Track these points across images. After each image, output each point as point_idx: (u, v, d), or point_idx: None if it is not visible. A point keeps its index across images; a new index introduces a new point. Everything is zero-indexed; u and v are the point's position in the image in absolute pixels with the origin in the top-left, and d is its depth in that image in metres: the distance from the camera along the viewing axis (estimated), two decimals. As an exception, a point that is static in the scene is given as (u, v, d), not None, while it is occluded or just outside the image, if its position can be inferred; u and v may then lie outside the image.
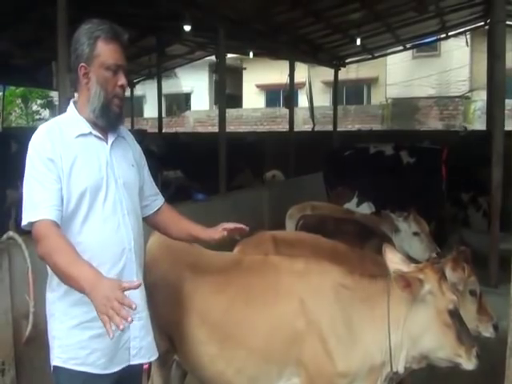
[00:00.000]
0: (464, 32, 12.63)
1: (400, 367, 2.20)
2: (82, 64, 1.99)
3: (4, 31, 9.65)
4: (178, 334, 2.54)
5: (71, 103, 2.10)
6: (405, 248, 4.60)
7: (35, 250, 1.92)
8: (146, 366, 3.00)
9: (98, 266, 1.88)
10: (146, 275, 2.73)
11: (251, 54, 13.16)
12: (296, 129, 16.03)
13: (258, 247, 3.01)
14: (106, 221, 2.01)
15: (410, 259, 2.74)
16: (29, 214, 1.88)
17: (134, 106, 18.05)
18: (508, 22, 5.69)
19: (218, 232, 2.29)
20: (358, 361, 2.18)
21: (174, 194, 9.51)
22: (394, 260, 2.36)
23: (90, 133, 2.03)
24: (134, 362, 2.08)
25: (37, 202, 1.88)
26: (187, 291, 2.52)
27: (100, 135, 2.06)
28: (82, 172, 1.97)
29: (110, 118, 2.04)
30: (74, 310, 1.96)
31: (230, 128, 19.69)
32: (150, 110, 22.55)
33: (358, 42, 10.97)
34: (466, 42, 13.24)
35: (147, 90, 20.44)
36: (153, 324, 2.69)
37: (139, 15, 9.85)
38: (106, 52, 1.98)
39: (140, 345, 2.08)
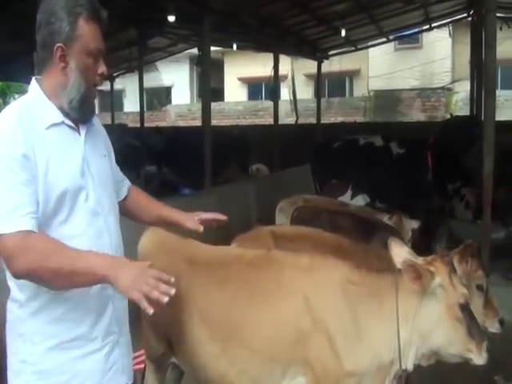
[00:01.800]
0: (447, 23, 12.67)
1: (409, 364, 2.13)
2: (60, 44, 1.67)
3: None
4: (178, 334, 2.42)
5: (35, 83, 1.76)
6: None
7: (10, 268, 1.58)
8: (141, 367, 2.89)
9: None
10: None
11: (235, 47, 13.02)
12: (280, 122, 16.01)
13: (255, 243, 2.89)
14: (89, 225, 1.75)
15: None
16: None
17: (114, 100, 17.70)
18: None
19: (193, 223, 2.11)
20: (366, 359, 2.10)
21: (157, 189, 9.44)
22: (400, 254, 2.27)
23: (63, 122, 1.74)
24: (131, 381, 1.91)
25: (9, 210, 1.55)
26: (186, 288, 2.39)
27: (72, 125, 1.77)
28: (59, 170, 1.68)
29: (86, 110, 1.79)
30: (52, 329, 1.69)
31: (212, 122, 19.59)
32: (130, 105, 22.26)
33: (343, 33, 10.91)
34: (449, 33, 13.28)
35: (127, 84, 20.14)
36: (147, 326, 2.59)
37: (122, 6, 9.61)
38: (89, 34, 1.70)
39: (128, 362, 1.91)
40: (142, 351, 2.83)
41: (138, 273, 1.54)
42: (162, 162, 10.61)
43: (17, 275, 1.59)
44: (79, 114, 1.76)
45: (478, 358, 2.09)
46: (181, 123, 20.34)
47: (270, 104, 13.88)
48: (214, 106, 21.47)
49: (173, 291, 1.53)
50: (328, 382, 2.11)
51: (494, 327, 2.67)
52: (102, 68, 1.77)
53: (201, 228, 2.09)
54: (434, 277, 2.08)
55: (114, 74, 16.33)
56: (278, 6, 9.41)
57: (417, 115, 16.95)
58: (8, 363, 1.76)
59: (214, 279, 2.39)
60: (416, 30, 13.41)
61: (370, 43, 14.20)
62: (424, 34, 15.33)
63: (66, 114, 1.75)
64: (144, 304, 1.49)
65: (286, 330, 2.17)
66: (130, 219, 2.21)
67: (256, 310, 2.25)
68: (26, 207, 1.57)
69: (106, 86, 17.34)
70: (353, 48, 13.84)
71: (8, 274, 1.68)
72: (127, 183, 2.16)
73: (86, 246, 1.67)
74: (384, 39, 13.50)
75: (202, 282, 2.40)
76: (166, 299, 1.51)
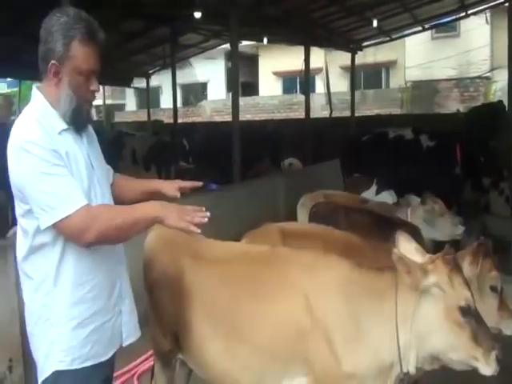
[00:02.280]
0: (484, 10, 12.18)
1: (411, 368, 2.04)
2: (54, 62, 1.86)
3: (16, 26, 9.66)
4: (183, 330, 2.44)
5: (38, 92, 1.94)
6: (427, 233, 4.48)
7: (81, 241, 1.83)
8: (150, 365, 2.93)
9: (105, 256, 1.97)
10: (145, 273, 2.65)
11: (265, 41, 12.95)
12: (313, 115, 15.81)
13: (264, 239, 2.87)
14: None
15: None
16: (59, 211, 1.77)
17: (151, 97, 17.99)
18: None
19: (172, 189, 2.20)
20: (366, 361, 2.03)
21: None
22: (408, 250, 2.18)
23: (69, 128, 1.94)
24: (126, 343, 2.12)
25: (66, 195, 1.78)
26: (191, 284, 2.42)
27: (76, 130, 1.98)
28: (75, 169, 1.89)
29: (79, 122, 1.96)
30: (75, 310, 1.91)
31: (246, 116, 19.71)
32: (167, 101, 22.52)
33: (375, 23, 10.68)
34: (486, 20, 12.78)
35: (163, 81, 20.36)
36: (155, 323, 2.63)
37: (151, 4, 9.73)
38: (81, 56, 1.86)
39: (129, 327, 2.12)
40: (151, 352, 2.87)
41: (179, 209, 1.87)
42: (196, 158, 10.70)
43: (89, 244, 1.85)
44: (72, 125, 1.95)
45: (485, 367, 1.94)
46: (216, 118, 20.46)
47: (304, 98, 13.72)
48: (249, 100, 21.56)
49: (208, 214, 1.87)
50: (327, 383, 2.07)
51: (509, 329, 2.53)
52: (94, 86, 1.94)
53: (178, 194, 2.20)
54: (427, 274, 1.98)
55: (150, 72, 16.60)
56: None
57: (455, 106, 16.37)
58: (36, 350, 1.96)
59: (219, 275, 2.41)
60: (452, 17, 12.94)
61: (405, 33, 13.82)
62: (461, 21, 14.79)
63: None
64: (192, 228, 1.83)
65: (286, 328, 2.15)
66: (119, 203, 2.32)
67: (258, 306, 2.24)
68: (78, 189, 1.83)
69: (142, 84, 17.71)
70: (387, 38, 13.52)
71: (24, 272, 1.92)
72: (111, 171, 2.31)
73: None
74: (419, 28, 13.12)
75: (207, 278, 2.42)
76: (205, 220, 1.85)
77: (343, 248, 2.77)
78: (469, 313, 1.96)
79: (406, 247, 2.20)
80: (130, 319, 2.12)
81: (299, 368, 2.15)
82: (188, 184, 2.23)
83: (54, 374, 1.91)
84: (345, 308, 2.08)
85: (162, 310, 2.56)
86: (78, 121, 1.94)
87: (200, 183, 2.25)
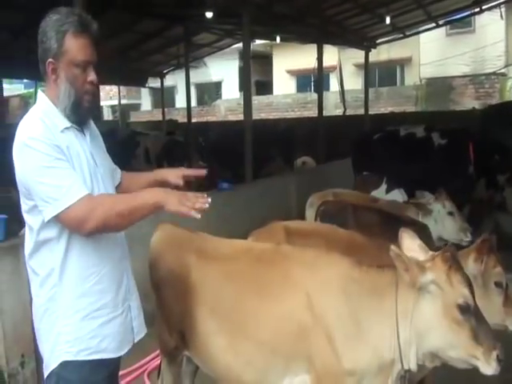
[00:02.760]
0: (498, 5, 12.01)
1: (412, 365, 2.05)
2: (50, 60, 1.93)
3: (32, 27, 9.80)
4: (189, 327, 2.49)
5: (42, 93, 2.03)
6: (437, 230, 4.49)
7: (82, 230, 1.87)
8: (159, 362, 2.97)
9: (106, 252, 2.02)
10: (152, 271, 2.70)
11: (278, 39, 12.94)
12: (328, 113, 15.79)
13: (269, 238, 2.90)
14: None
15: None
16: (61, 202, 1.82)
17: (165, 97, 18.11)
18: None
19: (175, 177, 2.22)
20: (366, 358, 2.05)
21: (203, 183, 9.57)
22: (411, 247, 2.19)
23: (72, 126, 2.00)
24: (138, 338, 2.17)
25: (67, 187, 1.83)
26: (196, 281, 2.47)
27: (79, 128, 2.04)
28: (77, 165, 1.95)
29: (81, 114, 2.01)
30: (81, 303, 1.96)
31: (260, 115, 19.71)
32: (182, 100, 22.65)
33: (388, 20, 10.60)
34: (501, 15, 12.59)
35: (178, 80, 20.47)
36: (161, 321, 2.67)
37: (164, 5, 9.81)
38: (75, 48, 1.92)
39: (138, 322, 2.17)
40: (158, 352, 2.90)
41: (180, 194, 1.87)
42: (209, 157, 10.75)
43: (90, 233, 1.89)
44: (76, 118, 1.99)
45: (485, 366, 1.94)
46: (230, 117, 20.48)
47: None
48: (263, 99, 21.54)
49: (209, 200, 1.86)
50: (328, 380, 2.09)
51: (514, 325, 2.53)
52: (91, 76, 1.98)
53: (180, 182, 2.23)
54: (424, 272, 1.98)
55: (164, 71, 16.71)
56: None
57: (470, 103, 16.15)
58: (43, 343, 2.01)
59: (223, 272, 2.45)
60: (466, 13, 12.78)
61: (419, 29, 13.69)
62: (476, 17, 14.57)
63: (72, 121, 2.01)
64: (192, 213, 1.83)
65: (288, 324, 2.18)
66: None
67: (261, 303, 2.28)
68: (79, 181, 1.89)
69: (157, 83, 17.85)
70: (401, 35, 13.41)
71: (30, 268, 1.99)
72: (118, 170, 2.36)
73: None
74: (433, 24, 12.98)
75: (212, 275, 2.46)
76: (207, 206, 1.84)
77: (347, 246, 2.79)
78: (468, 311, 1.96)
79: (409, 244, 2.21)
80: (138, 314, 2.18)
81: (301, 365, 2.17)
82: (191, 172, 2.28)
83: (60, 364, 1.95)
84: (345, 305, 2.10)
85: (168, 308, 2.60)
86: (78, 113, 1.98)
87: (204, 171, 2.26)
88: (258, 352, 2.24)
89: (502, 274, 2.53)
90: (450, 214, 4.57)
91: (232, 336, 2.32)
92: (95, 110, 2.16)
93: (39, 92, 2.06)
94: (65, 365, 1.95)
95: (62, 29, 1.90)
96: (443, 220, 4.55)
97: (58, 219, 1.86)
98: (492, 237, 2.61)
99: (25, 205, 1.94)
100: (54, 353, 1.96)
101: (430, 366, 2.11)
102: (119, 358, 2.13)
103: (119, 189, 2.32)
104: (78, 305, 1.95)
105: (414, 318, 2.01)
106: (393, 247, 2.01)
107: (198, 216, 1.84)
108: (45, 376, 2.02)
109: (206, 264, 2.50)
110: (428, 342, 2.01)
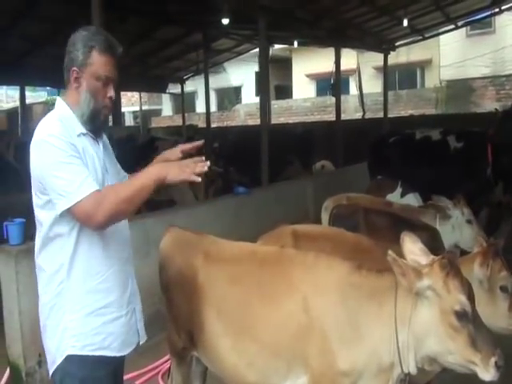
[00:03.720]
0: (517, 5, 11.84)
1: (411, 368, 2.06)
2: (75, 68, 2.07)
3: (55, 36, 10.05)
4: (197, 327, 2.55)
5: (61, 100, 2.15)
6: (454, 237, 4.43)
7: (91, 224, 1.95)
8: (166, 367, 3.03)
9: (113, 253, 2.09)
10: (161, 274, 2.77)
11: (295, 44, 12.98)
12: (347, 117, 15.74)
13: (277, 241, 2.95)
14: None
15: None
16: (74, 195, 1.90)
17: (186, 102, 18.31)
18: None
19: (174, 156, 2.29)
20: (363, 360, 2.07)
21: (222, 189, 9.64)
22: (413, 251, 2.19)
23: (87, 133, 2.11)
24: (143, 340, 2.24)
25: (80, 181, 1.92)
26: (204, 283, 2.53)
27: (94, 136, 2.16)
28: (91, 167, 2.05)
29: (97, 124, 2.13)
30: (87, 299, 2.03)
31: (279, 120, 19.75)
32: (202, 105, 22.83)
33: (405, 23, 10.54)
34: (520, 14, 12.41)
35: (198, 86, 20.64)
36: (169, 322, 2.74)
37: (183, 12, 9.96)
38: (99, 63, 2.06)
39: (142, 325, 2.25)
40: (167, 357, 2.96)
41: (179, 163, 1.97)
42: (228, 162, 10.82)
43: (101, 226, 1.97)
44: (90, 127, 2.12)
45: (484, 373, 1.92)
46: (250, 122, 20.56)
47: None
48: (282, 103, 21.58)
49: (208, 163, 1.93)
50: (324, 381, 2.12)
51: (521, 330, 2.52)
52: (111, 93, 2.12)
53: (180, 156, 2.30)
54: (421, 278, 1.99)
55: (184, 77, 16.91)
56: (334, -1, 9.30)
57: (491, 105, 15.88)
58: (49, 338, 2.07)
59: (228, 274, 2.50)
60: (485, 14, 12.62)
61: (438, 31, 13.57)
62: (497, 17, 14.37)
63: (88, 129, 2.13)
64: (193, 177, 1.89)
65: (287, 326, 2.22)
66: None
67: (264, 304, 2.32)
68: (91, 177, 1.97)
69: (177, 89, 18.06)
70: (420, 37, 13.32)
71: (38, 265, 2.07)
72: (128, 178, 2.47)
73: (114, 228, 2.06)
74: (452, 26, 12.87)
75: (218, 277, 2.52)
76: (206, 168, 1.91)
77: (353, 250, 2.82)
78: (465, 317, 1.95)
79: (411, 247, 2.22)
80: (141, 317, 2.25)
81: (302, 368, 2.20)
82: (189, 146, 2.32)
83: (65, 359, 2.02)
84: (342, 308, 2.13)
85: (177, 309, 2.67)
86: (94, 123, 2.11)
87: (201, 142, 2.30)
88: (260, 354, 2.29)
89: (508, 279, 2.53)
90: (469, 221, 4.46)
91: (236, 337, 2.37)
92: (108, 124, 2.29)
93: (58, 98, 2.19)
94: (70, 359, 2.02)
95: (90, 44, 2.06)
96: (461, 227, 4.44)
97: (69, 212, 1.94)
98: (498, 241, 2.61)
99: (39, 199, 2.02)
100: (61, 347, 2.03)
101: (429, 369, 2.11)
102: (122, 358, 2.20)
103: None
104: (84, 301, 2.03)
105: (412, 323, 2.02)
106: (390, 252, 2.01)
107: (199, 179, 1.90)
108: (50, 373, 2.09)
109: (212, 266, 2.56)
110: (426, 347, 2.02)
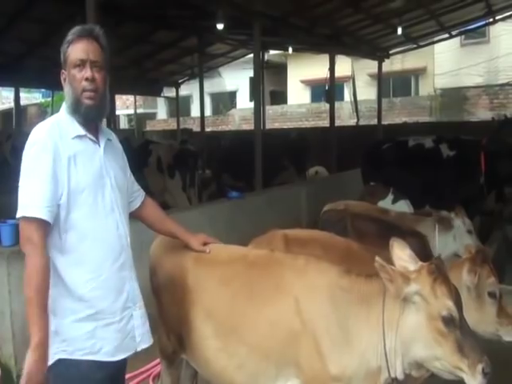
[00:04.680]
0: None
1: (398, 373, 2.07)
2: (62, 70, 2.10)
3: (49, 38, 10.05)
4: (186, 330, 2.55)
5: (64, 104, 2.16)
6: (454, 246, 4.42)
7: (20, 245, 1.97)
8: (157, 370, 3.03)
9: (103, 261, 2.06)
10: (152, 277, 2.78)
11: (290, 50, 13.05)
12: (342, 123, 15.82)
13: (269, 245, 2.96)
14: (108, 217, 2.10)
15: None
16: (22, 209, 1.93)
17: (181, 106, 18.33)
18: None
19: (198, 245, 2.54)
20: (353, 364, 2.08)
21: (214, 193, 9.66)
22: (401, 257, 2.21)
23: (86, 135, 2.10)
24: (140, 348, 2.19)
25: (31, 198, 1.92)
26: (193, 286, 2.53)
27: (93, 138, 2.13)
28: (80, 171, 2.03)
29: (83, 111, 2.08)
30: (79, 305, 2.02)
31: (274, 125, 19.81)
32: (197, 110, 22.85)
33: (399, 31, 10.64)
34: (514, 25, 12.56)
35: (193, 90, 20.68)
36: (160, 325, 2.74)
37: (180, 16, 10.01)
38: (73, 51, 2.05)
39: (142, 331, 2.20)
40: (158, 360, 2.96)
41: (32, 371, 1.84)
42: (221, 166, 10.85)
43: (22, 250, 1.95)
44: (79, 116, 2.09)
45: (471, 380, 1.91)
46: (245, 127, 20.61)
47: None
48: (277, 108, 21.64)
49: None
50: None
51: (509, 336, 2.53)
52: (86, 73, 2.05)
53: (206, 250, 2.54)
54: (409, 283, 2.01)
55: (180, 81, 16.95)
56: (329, 6, 9.35)
57: (484, 114, 16.01)
58: None
59: (219, 278, 2.51)
60: (479, 23, 12.76)
61: (433, 39, 13.69)
62: (491, 27, 14.56)
63: (87, 128, 2.11)
64: None
65: (279, 329, 2.23)
66: (143, 223, 2.58)
67: (254, 308, 2.33)
68: (46, 200, 1.93)
69: (172, 93, 18.09)
70: (414, 45, 13.43)
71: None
72: (142, 193, 2.50)
73: (105, 237, 2.07)
74: (447, 35, 12.99)
75: (208, 280, 2.52)
76: None
77: (343, 254, 2.84)
78: (452, 323, 1.96)
79: (399, 254, 2.24)
80: (142, 324, 2.20)
81: (291, 370, 2.21)
82: (211, 240, 2.54)
83: (57, 362, 2.00)
84: (332, 312, 2.14)
85: (167, 312, 2.67)
86: (80, 111, 2.07)
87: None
88: (249, 356, 2.29)
89: (496, 285, 2.56)
90: (469, 232, 4.47)
91: (225, 340, 2.37)
92: (102, 110, 2.15)
93: (63, 102, 2.19)
94: (61, 363, 2.01)
95: (67, 40, 2.06)
96: (462, 237, 4.43)
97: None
98: (486, 248, 2.64)
99: None
100: (51, 351, 1.99)
101: (415, 375, 2.12)
102: (123, 362, 2.16)
103: (139, 213, 2.47)
104: (75, 307, 2.01)
105: (399, 328, 2.04)
106: (377, 258, 2.03)
107: None
108: None
109: (202, 269, 2.56)
110: (413, 352, 2.03)
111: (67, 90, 2.08)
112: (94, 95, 2.07)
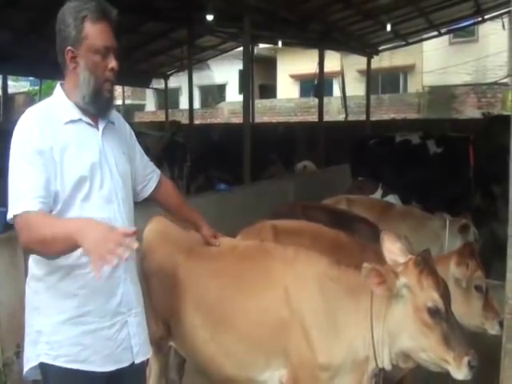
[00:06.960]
0: (501, 15, 12.08)
1: (386, 364, 2.10)
2: (69, 48, 1.85)
3: (38, 26, 9.91)
4: (175, 319, 2.56)
5: (58, 86, 1.98)
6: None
7: (20, 244, 1.81)
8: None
9: None
10: (142, 262, 2.77)
11: (280, 44, 13.04)
12: (330, 119, 15.85)
13: (258, 236, 2.98)
14: (103, 210, 1.92)
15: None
16: (12, 209, 1.76)
17: (170, 98, 18.21)
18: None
19: (210, 239, 2.53)
20: (341, 354, 2.11)
21: (202, 185, 9.64)
22: (391, 250, 2.24)
23: (80, 119, 1.92)
24: (138, 360, 2.01)
25: (21, 193, 1.75)
26: (183, 276, 2.54)
27: (91, 122, 1.95)
28: (75, 160, 1.87)
29: (101, 104, 1.93)
30: (64, 304, 1.87)
31: (263, 119, 19.77)
32: (186, 102, 22.70)
33: (389, 27, 10.69)
34: (503, 25, 12.68)
35: (183, 82, 20.55)
36: (148, 310, 2.73)
37: (169, 7, 9.93)
38: (94, 33, 1.85)
39: (139, 341, 2.02)
40: None
41: (100, 237, 1.57)
42: (209, 159, 10.81)
43: (24, 248, 1.83)
44: (95, 108, 1.93)
45: (456, 371, 1.93)
46: (234, 120, 20.55)
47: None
48: (266, 102, 21.63)
49: (127, 254, 1.56)
50: (303, 374, 2.15)
51: (493, 329, 2.56)
52: (112, 63, 1.90)
53: (216, 243, 2.53)
54: (398, 276, 2.03)
55: (168, 73, 16.84)
56: (319, 1, 9.36)
57: (472, 112, 16.15)
58: (26, 334, 1.96)
59: (209, 268, 2.52)
60: (469, 22, 12.85)
61: (421, 37, 13.75)
62: (480, 26, 14.68)
63: (85, 112, 1.94)
64: (96, 268, 1.54)
65: (266, 318, 2.25)
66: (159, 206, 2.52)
67: (244, 297, 2.35)
68: (37, 191, 1.76)
69: (161, 85, 17.96)
70: (403, 42, 13.49)
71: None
72: (156, 174, 2.36)
73: None
74: (436, 33, 13.07)
75: (198, 271, 2.54)
76: (115, 262, 1.55)
77: (331, 245, 2.87)
78: (437, 315, 1.98)
79: (390, 247, 2.27)
80: (138, 332, 2.02)
81: (280, 360, 2.24)
82: (220, 236, 2.54)
83: (41, 365, 1.88)
84: (321, 302, 2.17)
85: (156, 300, 2.67)
86: (98, 103, 1.91)
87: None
88: (238, 345, 2.31)
89: (483, 278, 2.60)
90: (476, 241, 4.32)
91: (214, 329, 2.39)
92: (113, 100, 2.02)
93: (57, 85, 2.00)
94: (43, 367, 1.88)
95: (81, 15, 1.83)
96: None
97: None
98: (474, 243, 2.68)
99: None
100: (36, 349, 1.89)
101: (402, 366, 2.15)
102: (117, 374, 1.94)
103: (153, 195, 2.35)
104: (60, 306, 1.87)
105: (386, 319, 2.06)
106: (365, 265, 2.01)
107: (98, 275, 1.54)
108: (24, 368, 1.96)
109: (193, 260, 2.58)
110: (400, 343, 2.05)
111: (83, 76, 1.87)
112: (113, 87, 1.97)
